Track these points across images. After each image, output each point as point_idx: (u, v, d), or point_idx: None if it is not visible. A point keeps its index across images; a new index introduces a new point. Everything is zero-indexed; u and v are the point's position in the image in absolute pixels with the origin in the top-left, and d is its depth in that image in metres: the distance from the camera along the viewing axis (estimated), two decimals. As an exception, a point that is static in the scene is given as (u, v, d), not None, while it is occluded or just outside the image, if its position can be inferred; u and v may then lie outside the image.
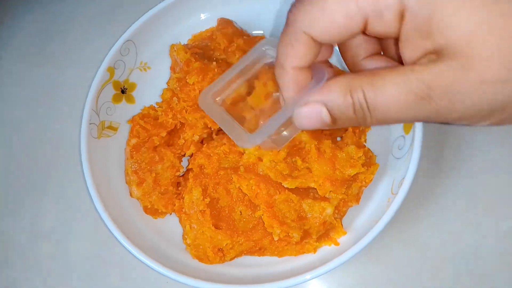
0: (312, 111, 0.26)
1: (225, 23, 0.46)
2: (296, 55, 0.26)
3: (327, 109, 0.26)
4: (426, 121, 0.25)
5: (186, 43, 0.49)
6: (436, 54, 0.23)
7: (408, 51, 0.24)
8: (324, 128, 0.27)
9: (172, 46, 0.45)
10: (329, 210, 0.38)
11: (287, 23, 0.26)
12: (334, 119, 0.26)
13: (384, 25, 0.24)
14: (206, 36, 0.49)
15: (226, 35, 0.45)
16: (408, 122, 0.26)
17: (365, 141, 0.43)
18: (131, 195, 0.44)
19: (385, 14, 0.23)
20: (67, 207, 0.49)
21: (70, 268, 0.47)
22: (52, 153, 0.52)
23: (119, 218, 0.41)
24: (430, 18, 0.22)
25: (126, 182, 0.44)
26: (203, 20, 0.50)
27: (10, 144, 0.53)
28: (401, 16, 0.23)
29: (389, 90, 0.24)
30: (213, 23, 0.49)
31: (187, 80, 0.42)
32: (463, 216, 0.44)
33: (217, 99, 0.37)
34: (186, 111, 0.43)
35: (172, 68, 0.48)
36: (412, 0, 0.22)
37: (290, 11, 0.26)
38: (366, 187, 0.41)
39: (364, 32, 0.25)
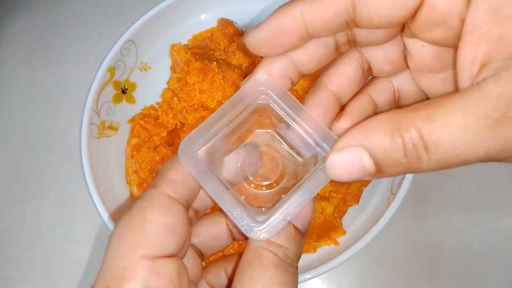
0: (350, 159, 0.19)
1: (225, 23, 0.47)
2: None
3: (369, 154, 0.19)
4: (498, 157, 0.18)
5: (186, 43, 0.49)
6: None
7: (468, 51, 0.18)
8: (366, 180, 0.22)
9: (173, 46, 0.45)
10: (329, 210, 0.38)
11: None
12: (379, 167, 0.19)
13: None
14: (206, 37, 0.49)
15: (226, 35, 0.45)
16: (476, 161, 0.19)
17: None
18: (131, 195, 0.44)
19: None
20: (68, 207, 0.49)
21: (70, 268, 0.47)
22: (53, 153, 0.52)
23: (119, 218, 0.41)
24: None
25: (127, 182, 0.44)
26: (203, 21, 0.50)
27: (10, 144, 0.53)
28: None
29: (455, 121, 0.17)
30: (213, 24, 0.49)
31: (188, 80, 0.42)
32: (462, 216, 0.44)
33: (199, 151, 0.24)
34: (186, 111, 0.43)
35: (173, 68, 0.48)
36: None
37: None
38: (365, 187, 0.41)
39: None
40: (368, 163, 0.19)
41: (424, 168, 0.19)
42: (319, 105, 0.23)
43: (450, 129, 0.17)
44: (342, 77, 0.23)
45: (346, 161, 0.19)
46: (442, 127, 0.17)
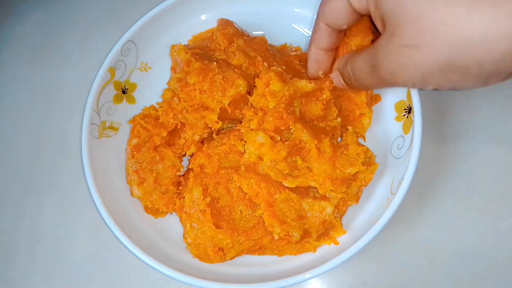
0: (335, 75, 0.39)
1: (225, 24, 0.47)
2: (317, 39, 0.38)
3: (340, 74, 0.38)
4: (386, 86, 0.32)
5: (186, 43, 0.49)
6: (382, 23, 0.30)
7: (375, 20, 0.31)
8: (343, 87, 0.38)
9: (173, 46, 0.46)
10: (329, 209, 0.39)
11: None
12: (344, 80, 0.37)
13: (362, 6, 0.32)
14: (206, 37, 0.49)
15: (226, 35, 0.45)
16: (375, 88, 0.36)
17: (364, 139, 0.44)
18: (132, 194, 0.44)
19: None
20: (68, 207, 0.49)
21: (70, 268, 0.47)
22: (53, 153, 0.52)
23: (120, 218, 0.41)
24: None
25: (127, 182, 0.44)
26: (204, 21, 0.50)
27: (11, 144, 0.53)
28: None
29: (358, 65, 0.33)
30: (213, 24, 0.49)
31: (188, 81, 0.42)
32: (462, 215, 0.44)
33: None
34: (186, 111, 0.43)
35: (173, 69, 0.48)
36: None
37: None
38: (365, 186, 0.41)
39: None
40: (340, 78, 0.38)
41: (354, 86, 0.37)
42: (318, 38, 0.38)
43: (358, 70, 0.34)
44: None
45: (335, 75, 0.39)
46: (355, 67, 0.34)
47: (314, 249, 0.40)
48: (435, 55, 0.26)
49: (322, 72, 0.41)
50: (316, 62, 0.40)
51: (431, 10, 0.26)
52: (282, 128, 0.40)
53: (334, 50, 0.40)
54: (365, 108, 0.43)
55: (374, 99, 0.44)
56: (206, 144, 0.43)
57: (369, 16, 0.32)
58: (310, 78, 0.41)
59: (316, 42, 0.38)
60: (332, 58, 0.40)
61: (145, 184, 0.43)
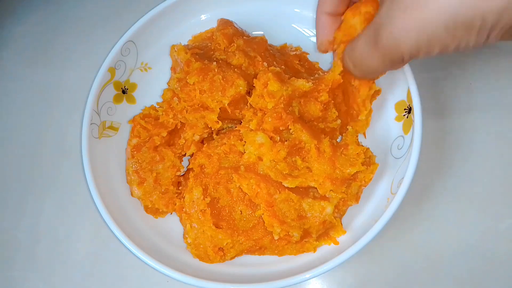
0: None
1: (225, 24, 0.47)
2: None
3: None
4: (390, 62, 0.31)
5: (186, 43, 0.49)
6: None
7: None
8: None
9: (173, 46, 0.46)
10: (329, 209, 0.39)
11: None
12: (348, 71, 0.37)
13: None
14: (206, 37, 0.49)
15: (226, 35, 0.45)
16: (378, 71, 0.33)
17: (365, 136, 0.44)
18: (132, 194, 0.44)
19: None
20: (68, 207, 0.49)
21: (70, 268, 0.47)
22: (53, 153, 0.52)
23: (120, 218, 0.41)
24: None
25: (127, 182, 0.44)
26: (204, 21, 0.50)
27: (11, 144, 0.53)
28: None
29: (359, 48, 0.33)
30: (213, 24, 0.49)
31: (188, 80, 0.42)
32: (462, 216, 0.44)
33: None
34: (186, 111, 0.43)
35: (173, 69, 0.48)
36: None
37: None
38: (365, 186, 0.41)
39: None
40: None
41: (357, 76, 0.37)
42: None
43: (358, 54, 0.33)
44: None
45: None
46: (356, 52, 0.34)
47: (314, 249, 0.40)
48: (440, 12, 0.26)
49: (328, 40, 0.38)
50: (322, 29, 0.38)
51: None
52: (281, 128, 0.40)
53: (340, 16, 0.37)
54: (366, 103, 0.42)
55: (375, 93, 0.44)
56: (206, 144, 0.43)
57: None
58: (320, 51, 0.40)
59: (321, 7, 0.37)
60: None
61: (145, 184, 0.43)
